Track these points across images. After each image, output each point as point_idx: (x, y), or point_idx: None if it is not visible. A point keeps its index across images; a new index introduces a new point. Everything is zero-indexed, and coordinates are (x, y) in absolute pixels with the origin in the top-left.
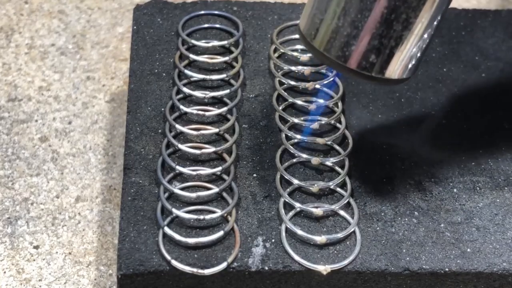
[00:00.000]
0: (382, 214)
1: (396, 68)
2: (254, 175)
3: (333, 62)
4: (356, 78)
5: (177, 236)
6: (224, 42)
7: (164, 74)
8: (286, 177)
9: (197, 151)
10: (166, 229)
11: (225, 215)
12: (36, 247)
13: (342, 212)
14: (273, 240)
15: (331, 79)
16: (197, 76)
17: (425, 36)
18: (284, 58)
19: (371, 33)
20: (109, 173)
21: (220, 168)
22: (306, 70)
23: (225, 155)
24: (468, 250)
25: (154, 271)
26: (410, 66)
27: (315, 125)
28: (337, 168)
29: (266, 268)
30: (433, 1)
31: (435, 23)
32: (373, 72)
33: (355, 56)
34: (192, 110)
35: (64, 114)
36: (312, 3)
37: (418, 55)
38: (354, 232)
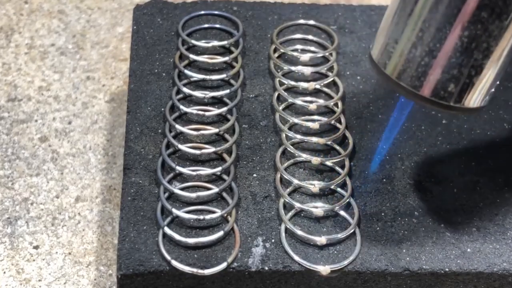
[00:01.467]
0: (382, 214)
1: (475, 97)
2: (254, 175)
3: (408, 91)
4: (431, 107)
5: (177, 236)
6: (224, 42)
7: (164, 74)
8: (286, 177)
9: (197, 151)
10: (166, 229)
11: (225, 215)
12: (36, 247)
13: (342, 212)
14: (273, 240)
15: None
16: (197, 76)
17: (505, 62)
18: (284, 58)
19: (450, 63)
20: (109, 173)
21: (220, 168)
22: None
23: (225, 155)
24: (468, 250)
25: (154, 271)
26: (488, 93)
27: (315, 125)
28: (337, 168)
29: (266, 268)
30: None
31: None
32: (452, 101)
33: (432, 85)
34: (192, 110)
35: (64, 114)
36: (385, 30)
37: (497, 81)
38: (354, 232)
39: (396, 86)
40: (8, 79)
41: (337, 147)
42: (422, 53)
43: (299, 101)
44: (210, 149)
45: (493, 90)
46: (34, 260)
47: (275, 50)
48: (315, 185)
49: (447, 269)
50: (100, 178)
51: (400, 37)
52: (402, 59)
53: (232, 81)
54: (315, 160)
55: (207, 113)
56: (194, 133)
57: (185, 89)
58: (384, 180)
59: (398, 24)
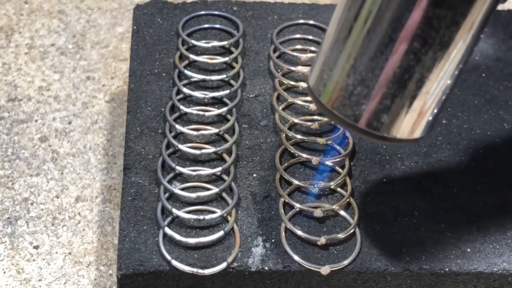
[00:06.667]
0: (382, 214)
1: (409, 128)
2: (254, 175)
3: (343, 121)
4: (367, 137)
5: (177, 236)
6: (224, 43)
7: (164, 74)
8: (286, 177)
9: (197, 152)
10: (166, 229)
11: (225, 215)
12: (36, 247)
13: (342, 212)
14: (273, 240)
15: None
16: (197, 76)
17: (441, 93)
18: (284, 58)
19: (383, 93)
20: (109, 173)
21: (220, 168)
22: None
23: (225, 155)
24: (468, 250)
25: (154, 271)
26: (425, 124)
27: (315, 125)
28: (337, 168)
29: (266, 268)
30: (448, 59)
31: (451, 80)
32: (385, 132)
33: (365, 115)
34: (192, 110)
35: (64, 114)
36: (320, 57)
37: (434, 112)
38: (354, 232)
39: (332, 115)
40: (8, 79)
41: (337, 147)
42: (355, 82)
43: (299, 101)
44: (210, 149)
45: (430, 120)
46: (34, 260)
47: (275, 50)
48: (315, 185)
49: (447, 269)
50: (100, 178)
51: (334, 64)
52: (337, 88)
53: (232, 82)
54: (315, 160)
55: (207, 113)
56: (194, 133)
57: (185, 90)
58: (384, 180)
59: (333, 51)
